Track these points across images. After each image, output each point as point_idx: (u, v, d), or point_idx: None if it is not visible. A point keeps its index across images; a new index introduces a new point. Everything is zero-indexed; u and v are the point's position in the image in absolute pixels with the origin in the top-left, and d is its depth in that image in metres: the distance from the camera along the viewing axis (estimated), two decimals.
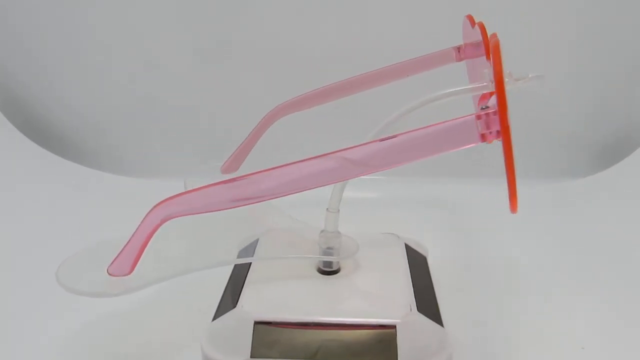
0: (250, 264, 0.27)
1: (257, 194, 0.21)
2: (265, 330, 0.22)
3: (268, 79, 0.49)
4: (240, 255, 0.30)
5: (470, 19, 0.26)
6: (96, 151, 0.51)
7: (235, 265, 0.28)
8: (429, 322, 0.23)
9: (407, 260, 0.27)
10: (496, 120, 0.16)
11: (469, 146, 0.18)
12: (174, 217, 0.23)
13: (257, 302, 0.24)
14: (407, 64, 0.27)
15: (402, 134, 0.19)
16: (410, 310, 0.23)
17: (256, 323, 0.23)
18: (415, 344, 0.22)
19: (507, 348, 0.27)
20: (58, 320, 0.30)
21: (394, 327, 0.22)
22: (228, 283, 0.27)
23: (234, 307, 0.24)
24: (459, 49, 0.27)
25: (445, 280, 0.29)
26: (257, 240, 0.30)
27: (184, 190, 0.25)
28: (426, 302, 0.25)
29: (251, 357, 0.22)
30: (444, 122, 0.18)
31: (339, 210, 0.26)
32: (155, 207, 0.23)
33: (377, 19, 0.46)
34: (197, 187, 0.23)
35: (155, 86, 0.50)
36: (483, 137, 0.17)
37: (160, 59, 0.49)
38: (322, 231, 0.26)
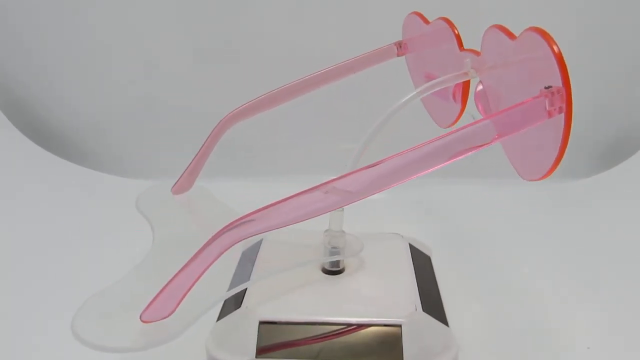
0: (253, 262, 0.27)
1: (348, 198, 0.20)
2: (270, 330, 0.22)
3: (268, 79, 0.49)
4: (244, 255, 0.30)
5: (418, 15, 0.28)
6: (97, 152, 0.51)
7: (239, 265, 0.28)
8: (435, 321, 0.23)
9: (411, 260, 0.27)
10: (559, 97, 0.18)
11: (535, 125, 0.19)
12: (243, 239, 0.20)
13: (262, 302, 0.24)
14: (351, 62, 0.29)
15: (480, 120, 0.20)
16: (416, 309, 0.23)
17: (261, 323, 0.22)
18: (421, 343, 0.22)
19: (512, 348, 0.27)
20: (59, 321, 0.29)
21: (399, 326, 0.22)
22: (232, 283, 0.27)
23: (239, 307, 0.24)
24: (400, 44, 0.29)
25: (450, 280, 0.29)
26: (260, 241, 0.30)
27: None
28: (431, 301, 0.25)
29: (256, 357, 0.22)
30: (511, 107, 0.19)
31: (343, 209, 0.26)
32: (222, 231, 0.20)
33: (377, 21, 0.46)
34: None
35: (156, 87, 0.50)
36: (549, 114, 0.19)
37: (161, 60, 0.49)
38: (326, 230, 0.26)
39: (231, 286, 0.27)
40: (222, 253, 0.20)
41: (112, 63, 0.49)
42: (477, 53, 0.23)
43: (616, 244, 0.38)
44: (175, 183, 0.32)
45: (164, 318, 0.20)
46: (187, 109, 0.51)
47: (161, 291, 0.20)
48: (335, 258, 0.26)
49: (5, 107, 0.50)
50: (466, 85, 0.25)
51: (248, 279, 0.26)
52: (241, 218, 0.20)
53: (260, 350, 0.22)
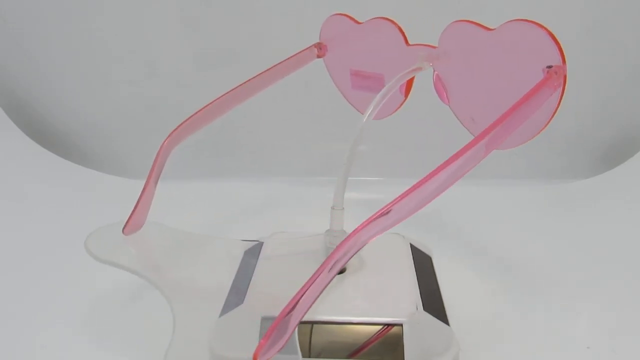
0: (256, 261, 0.27)
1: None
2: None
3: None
4: (245, 257, 0.30)
5: (346, 15, 0.30)
6: (98, 152, 0.51)
7: (242, 263, 0.28)
8: (436, 321, 0.23)
9: (412, 260, 0.27)
10: (560, 75, 0.21)
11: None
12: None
13: (264, 299, 0.24)
14: (275, 69, 0.30)
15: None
16: (417, 309, 0.23)
17: (263, 319, 0.23)
18: (422, 342, 0.22)
19: (512, 347, 0.27)
20: (60, 320, 0.30)
21: (400, 325, 0.22)
22: (235, 279, 0.27)
23: (241, 303, 0.24)
24: (319, 46, 0.31)
25: (450, 281, 0.29)
26: (261, 244, 0.30)
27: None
28: (432, 301, 0.25)
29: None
30: (528, 95, 0.21)
31: (343, 208, 0.26)
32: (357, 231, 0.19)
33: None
34: None
35: (157, 88, 0.50)
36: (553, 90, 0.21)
37: (162, 61, 0.49)
38: (327, 230, 0.27)
39: (233, 287, 0.27)
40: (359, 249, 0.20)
41: (114, 64, 0.49)
42: (430, 46, 0.26)
43: (617, 244, 0.38)
44: (126, 222, 0.28)
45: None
46: (188, 110, 0.51)
47: (290, 307, 0.19)
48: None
49: (7, 108, 0.50)
50: (412, 78, 0.27)
51: (250, 278, 0.26)
52: (376, 214, 0.20)
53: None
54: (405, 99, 0.29)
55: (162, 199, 0.45)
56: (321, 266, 0.19)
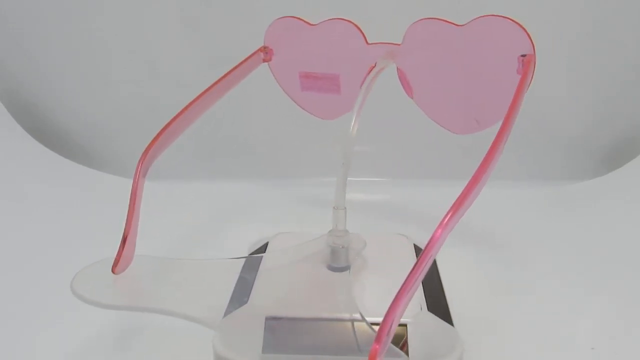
0: (260, 261, 0.27)
1: None
2: (276, 326, 0.22)
3: (272, 83, 0.49)
4: (250, 258, 0.30)
5: (297, 18, 0.30)
6: (101, 153, 0.51)
7: (246, 262, 0.28)
8: (440, 321, 0.23)
9: (416, 260, 0.27)
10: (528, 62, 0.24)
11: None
12: None
13: (268, 298, 0.24)
14: (226, 80, 0.30)
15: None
16: (421, 309, 0.23)
17: (267, 319, 0.23)
18: (426, 343, 0.22)
19: (516, 348, 0.27)
20: (61, 319, 0.30)
21: (404, 325, 0.22)
22: (239, 280, 0.27)
23: (245, 303, 0.24)
24: (265, 50, 0.31)
25: (454, 281, 0.29)
26: (266, 244, 0.30)
27: None
28: (436, 301, 0.25)
29: (262, 352, 0.22)
30: (518, 89, 0.23)
31: (345, 208, 0.26)
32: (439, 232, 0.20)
33: (381, 25, 0.47)
34: None
35: (159, 88, 0.50)
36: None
37: (164, 62, 0.49)
38: (330, 230, 0.27)
39: (237, 287, 0.27)
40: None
41: (116, 65, 0.49)
42: (393, 44, 0.27)
43: (619, 245, 0.38)
44: (116, 260, 0.26)
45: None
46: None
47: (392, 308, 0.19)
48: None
49: (10, 107, 0.50)
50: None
51: (254, 279, 0.26)
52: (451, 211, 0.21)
53: (267, 346, 0.22)
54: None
55: (166, 199, 0.46)
56: (417, 266, 0.20)
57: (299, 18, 0.30)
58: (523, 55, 0.24)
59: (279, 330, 0.22)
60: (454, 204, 0.20)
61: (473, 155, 0.50)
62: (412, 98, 0.28)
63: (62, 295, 0.31)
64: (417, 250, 0.29)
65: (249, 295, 0.25)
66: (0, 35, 0.49)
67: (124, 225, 0.26)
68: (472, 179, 0.21)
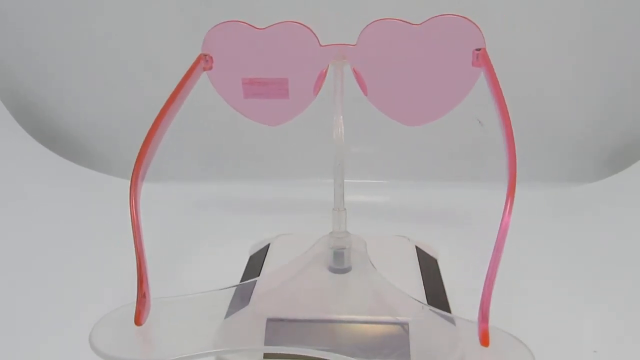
0: (263, 261, 0.27)
1: None
2: (277, 328, 0.22)
3: None
4: (251, 260, 0.30)
5: (242, 22, 0.30)
6: (105, 155, 0.51)
7: (248, 265, 0.28)
8: (441, 320, 0.23)
9: (417, 261, 0.27)
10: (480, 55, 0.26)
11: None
12: None
13: (270, 300, 0.24)
14: (179, 95, 0.30)
15: None
16: (422, 308, 0.23)
17: (269, 320, 0.23)
18: (428, 341, 0.22)
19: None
20: (66, 321, 0.30)
21: (406, 324, 0.22)
22: (241, 280, 0.27)
23: (246, 304, 0.24)
24: (206, 58, 0.30)
25: (456, 283, 0.29)
26: (268, 245, 0.30)
27: None
28: (438, 301, 0.25)
29: (264, 354, 0.22)
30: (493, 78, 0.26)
31: (345, 209, 0.26)
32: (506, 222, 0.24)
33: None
34: None
35: (163, 90, 0.50)
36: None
37: (169, 63, 0.49)
38: (331, 232, 0.27)
39: (239, 288, 0.27)
40: None
41: (120, 66, 0.49)
42: (347, 45, 0.27)
43: (622, 247, 0.38)
44: (137, 312, 0.23)
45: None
46: (193, 114, 0.51)
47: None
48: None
49: (14, 111, 0.50)
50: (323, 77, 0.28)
51: (256, 281, 0.26)
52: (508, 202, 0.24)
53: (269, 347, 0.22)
54: (315, 97, 0.29)
55: (169, 200, 0.46)
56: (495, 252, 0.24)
57: (245, 22, 0.29)
58: (478, 49, 0.26)
59: (280, 331, 0.23)
60: (509, 192, 0.24)
61: (471, 157, 0.51)
62: (366, 96, 0.29)
63: (63, 296, 0.32)
64: (419, 251, 0.29)
65: (251, 297, 0.25)
66: (0, 35, 0.49)
67: (137, 277, 0.23)
68: (510, 166, 0.25)
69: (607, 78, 0.47)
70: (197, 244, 0.39)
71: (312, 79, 0.28)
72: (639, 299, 0.31)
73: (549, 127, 0.49)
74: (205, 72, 0.30)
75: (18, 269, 0.35)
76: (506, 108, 0.24)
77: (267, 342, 0.22)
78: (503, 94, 0.25)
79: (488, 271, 0.23)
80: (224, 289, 0.27)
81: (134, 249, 0.24)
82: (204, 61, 0.29)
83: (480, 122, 0.46)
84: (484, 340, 0.22)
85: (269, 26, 0.28)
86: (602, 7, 0.45)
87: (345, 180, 0.26)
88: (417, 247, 0.29)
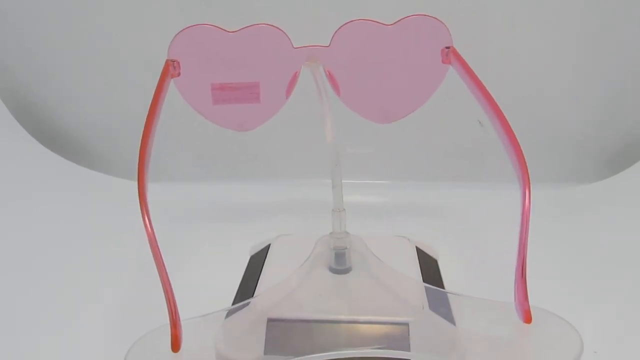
0: (263, 261, 0.27)
1: None
2: (278, 328, 0.22)
3: None
4: (252, 260, 0.30)
5: (212, 25, 0.28)
6: (106, 156, 0.51)
7: (249, 265, 0.28)
8: (442, 320, 0.23)
9: (418, 262, 0.27)
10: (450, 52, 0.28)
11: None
12: None
13: (270, 300, 0.24)
14: (156, 107, 0.29)
15: None
16: (423, 308, 0.23)
17: (269, 320, 0.23)
18: (428, 342, 0.22)
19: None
20: (68, 321, 0.30)
21: (406, 324, 0.22)
22: (241, 282, 0.27)
23: (247, 305, 0.24)
24: (174, 64, 0.28)
25: (456, 283, 0.29)
26: (268, 246, 0.30)
27: None
28: (438, 301, 0.25)
29: (264, 354, 0.22)
30: (471, 74, 0.27)
31: (344, 210, 0.26)
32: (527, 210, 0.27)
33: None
34: None
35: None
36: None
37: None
38: (331, 232, 0.27)
39: (240, 288, 0.27)
40: None
41: (120, 66, 0.50)
42: (320, 46, 0.27)
43: (622, 248, 0.38)
44: (173, 339, 0.22)
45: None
46: (195, 114, 0.51)
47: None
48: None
49: (15, 111, 0.50)
50: (293, 80, 0.28)
51: (257, 281, 0.26)
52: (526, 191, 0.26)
53: (269, 347, 0.22)
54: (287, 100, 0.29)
55: (169, 200, 0.46)
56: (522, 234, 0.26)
57: (214, 26, 0.28)
58: (447, 47, 0.28)
59: (280, 331, 0.23)
60: (524, 180, 0.26)
61: (471, 158, 0.51)
62: (338, 97, 0.29)
63: (64, 296, 0.32)
64: (419, 251, 0.29)
65: (252, 296, 0.25)
66: (1, 35, 0.49)
67: (166, 303, 0.22)
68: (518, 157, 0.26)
69: (607, 78, 0.47)
70: (198, 244, 0.39)
71: (285, 82, 0.28)
72: (639, 299, 0.32)
73: (549, 127, 0.49)
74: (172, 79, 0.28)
75: (18, 269, 0.35)
76: (489, 94, 0.26)
77: (268, 342, 0.22)
78: (481, 82, 0.26)
79: (519, 249, 0.26)
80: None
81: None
82: (171, 67, 0.28)
83: (480, 122, 0.46)
84: (527, 317, 0.24)
85: (240, 29, 0.27)
86: (603, 7, 0.45)
87: (343, 181, 0.26)
88: (417, 248, 0.29)
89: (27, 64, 0.50)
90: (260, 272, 0.27)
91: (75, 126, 0.52)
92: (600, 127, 0.49)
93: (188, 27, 0.28)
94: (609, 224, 0.42)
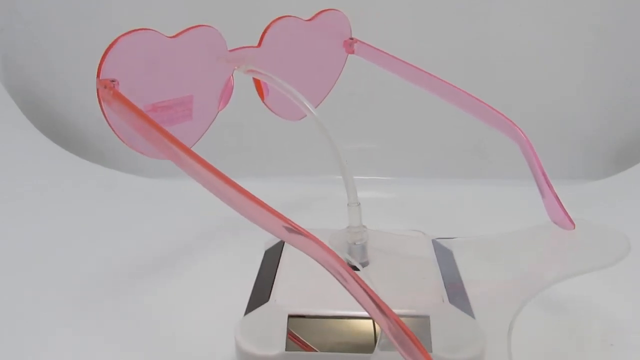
0: (279, 257, 0.27)
1: None
2: (299, 324, 0.22)
3: None
4: (267, 255, 0.30)
5: (151, 30, 0.25)
6: (114, 151, 0.52)
7: (264, 260, 0.28)
8: (462, 313, 0.23)
9: (435, 255, 0.27)
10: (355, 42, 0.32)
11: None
12: None
13: (290, 296, 0.24)
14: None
15: None
16: (443, 301, 0.23)
17: (290, 316, 0.23)
18: (449, 334, 0.22)
19: (536, 343, 0.27)
20: (81, 317, 0.30)
21: (427, 317, 0.22)
22: (257, 277, 0.27)
23: (266, 301, 0.24)
24: (112, 84, 0.25)
25: (471, 277, 0.29)
26: (283, 241, 0.30)
27: None
28: (457, 294, 0.25)
29: (286, 350, 0.22)
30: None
31: (359, 204, 0.26)
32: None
33: (387, 26, 0.47)
34: None
35: None
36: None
37: None
38: (348, 227, 0.27)
39: (257, 284, 0.27)
40: None
41: None
42: (253, 47, 0.27)
43: (632, 244, 0.38)
44: None
45: None
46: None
47: None
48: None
49: (24, 107, 0.50)
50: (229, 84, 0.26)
51: (273, 277, 0.26)
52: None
53: (290, 344, 0.22)
54: (224, 108, 0.27)
55: (176, 196, 0.45)
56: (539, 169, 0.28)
57: (154, 30, 0.23)
58: (351, 39, 0.31)
59: (301, 327, 0.23)
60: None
61: (479, 153, 0.51)
62: (263, 102, 0.28)
63: (67, 296, 0.32)
64: (435, 245, 0.29)
65: (270, 292, 0.25)
66: (12, 33, 0.49)
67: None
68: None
69: (616, 76, 0.48)
70: (212, 237, 0.39)
71: (216, 92, 0.26)
72: None
73: (557, 124, 0.49)
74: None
75: (26, 268, 0.35)
76: (404, 62, 0.28)
77: (289, 339, 0.22)
78: (390, 54, 0.29)
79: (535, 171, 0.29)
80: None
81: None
82: (110, 87, 0.22)
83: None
84: (569, 223, 0.26)
85: (178, 33, 0.23)
86: (613, 5, 0.45)
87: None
88: (433, 241, 0.29)
89: (36, 61, 0.50)
90: (277, 267, 0.27)
91: (83, 122, 0.52)
92: (609, 124, 0.49)
93: (126, 33, 0.23)
94: (618, 221, 0.42)
